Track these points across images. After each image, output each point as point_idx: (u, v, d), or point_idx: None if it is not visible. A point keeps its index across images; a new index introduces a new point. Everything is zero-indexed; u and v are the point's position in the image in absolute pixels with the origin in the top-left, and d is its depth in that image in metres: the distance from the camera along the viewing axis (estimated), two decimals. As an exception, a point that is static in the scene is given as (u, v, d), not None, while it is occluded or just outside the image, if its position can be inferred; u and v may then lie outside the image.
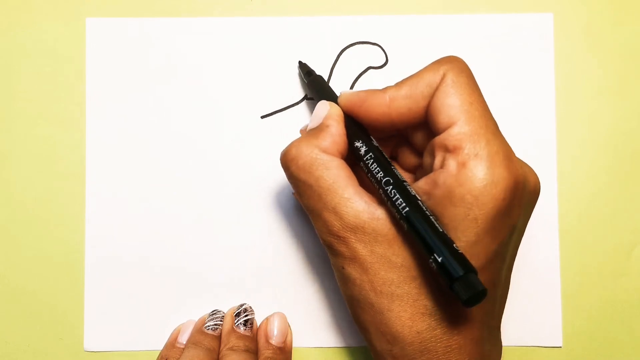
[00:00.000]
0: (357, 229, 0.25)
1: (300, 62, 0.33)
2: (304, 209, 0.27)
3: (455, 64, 0.26)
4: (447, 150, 0.24)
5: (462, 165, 0.24)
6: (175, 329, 0.33)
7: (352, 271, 0.25)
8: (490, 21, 0.34)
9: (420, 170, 0.29)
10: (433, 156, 0.25)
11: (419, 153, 0.28)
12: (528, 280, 0.33)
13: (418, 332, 0.24)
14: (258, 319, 0.33)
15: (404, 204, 0.24)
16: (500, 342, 0.28)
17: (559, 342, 0.33)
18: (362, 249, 0.25)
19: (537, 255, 0.33)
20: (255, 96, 0.34)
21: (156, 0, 0.34)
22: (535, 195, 0.26)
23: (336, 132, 0.27)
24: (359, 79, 0.34)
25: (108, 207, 0.34)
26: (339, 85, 0.34)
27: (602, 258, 0.34)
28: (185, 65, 0.34)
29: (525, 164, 0.26)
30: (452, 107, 0.25)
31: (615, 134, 0.34)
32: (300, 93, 0.34)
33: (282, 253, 0.34)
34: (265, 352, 0.31)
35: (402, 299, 0.24)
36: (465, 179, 0.23)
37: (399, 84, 0.26)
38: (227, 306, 0.33)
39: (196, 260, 0.33)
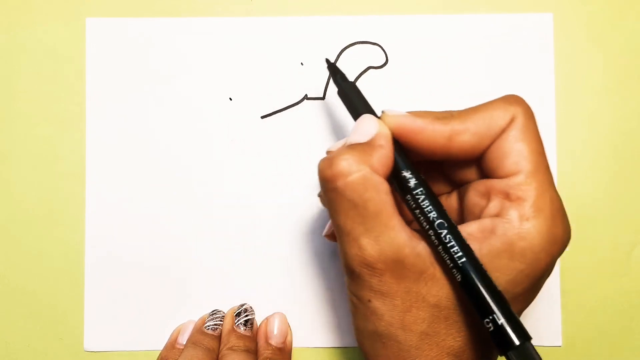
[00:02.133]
0: (397, 262, 0.23)
1: (329, 62, 0.29)
2: (335, 229, 0.25)
3: (526, 107, 0.24)
4: (508, 198, 0.23)
5: (525, 219, 0.23)
6: (175, 329, 0.33)
7: (382, 306, 0.24)
8: (490, 21, 0.34)
9: (459, 207, 0.27)
10: (487, 200, 0.24)
11: (452, 183, 0.27)
12: (528, 280, 0.33)
13: None
14: (258, 319, 0.33)
15: (460, 253, 0.22)
16: None
17: (558, 342, 0.33)
18: (397, 285, 0.23)
19: (537, 255, 0.33)
20: (256, 96, 0.34)
21: (156, 0, 0.34)
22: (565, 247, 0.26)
23: (387, 155, 0.24)
24: (359, 79, 0.34)
25: (108, 207, 0.34)
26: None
27: (602, 258, 0.34)
28: (186, 65, 0.34)
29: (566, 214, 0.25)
30: (521, 154, 0.23)
31: (615, 134, 0.34)
32: (300, 93, 0.34)
33: (282, 253, 0.34)
34: (264, 353, 0.31)
35: (430, 338, 0.24)
36: (527, 234, 0.23)
37: (462, 117, 0.24)
38: (227, 306, 0.33)
39: (196, 260, 0.33)
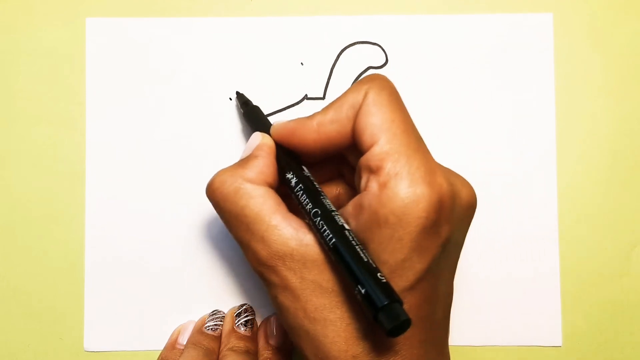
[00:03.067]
0: (286, 256, 0.24)
1: (237, 93, 0.33)
2: (235, 240, 0.27)
3: (376, 82, 0.25)
4: (371, 171, 0.24)
5: (384, 185, 0.23)
6: (175, 330, 0.33)
7: (285, 300, 0.25)
8: (490, 21, 0.34)
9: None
10: (359, 177, 0.25)
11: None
12: (528, 280, 0.33)
13: (354, 356, 0.24)
14: (258, 320, 0.33)
15: (330, 235, 0.24)
16: (449, 357, 0.27)
17: (558, 342, 0.33)
18: (292, 277, 0.25)
19: (537, 255, 0.33)
20: (256, 96, 0.34)
21: (156, 0, 0.34)
22: (469, 210, 0.26)
23: (263, 163, 0.26)
24: (359, 79, 0.34)
25: (108, 207, 0.34)
26: (339, 86, 0.34)
27: (602, 258, 0.34)
28: (186, 65, 0.34)
29: (459, 177, 0.26)
30: (373, 126, 0.24)
31: (615, 134, 0.34)
32: (300, 93, 0.34)
33: (282, 253, 0.34)
34: (264, 353, 0.31)
35: (335, 324, 0.24)
36: (387, 199, 0.23)
37: (325, 109, 0.26)
38: (227, 306, 0.33)
39: (196, 260, 0.33)
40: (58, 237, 0.34)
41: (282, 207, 0.26)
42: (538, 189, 0.34)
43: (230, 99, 0.34)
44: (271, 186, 0.26)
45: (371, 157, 0.24)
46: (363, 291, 0.22)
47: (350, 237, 0.24)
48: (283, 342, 0.32)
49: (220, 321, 0.32)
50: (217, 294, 0.33)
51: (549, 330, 0.33)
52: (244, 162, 0.27)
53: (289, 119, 0.34)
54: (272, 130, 0.28)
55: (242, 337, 0.31)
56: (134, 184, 0.34)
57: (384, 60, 0.34)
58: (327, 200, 0.25)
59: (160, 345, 0.33)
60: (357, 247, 0.23)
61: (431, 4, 0.34)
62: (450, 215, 0.24)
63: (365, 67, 0.34)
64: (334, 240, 0.23)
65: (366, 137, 0.24)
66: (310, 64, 0.34)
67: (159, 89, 0.34)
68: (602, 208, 0.34)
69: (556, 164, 0.34)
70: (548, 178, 0.34)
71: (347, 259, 0.23)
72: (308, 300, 0.24)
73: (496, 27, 0.34)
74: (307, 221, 0.25)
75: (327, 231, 0.24)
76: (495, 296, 0.33)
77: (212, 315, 0.32)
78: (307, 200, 0.25)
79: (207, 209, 0.33)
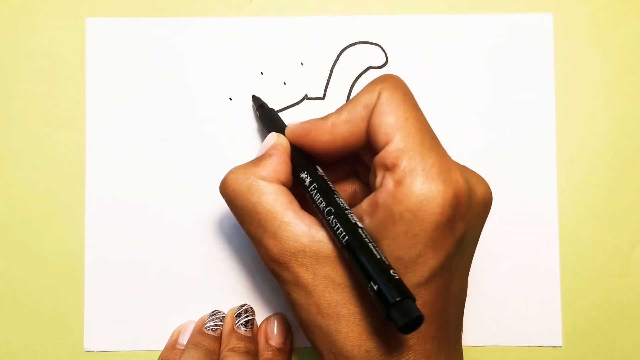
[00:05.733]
0: (298, 252, 0.25)
1: (253, 96, 0.33)
2: (248, 236, 0.27)
3: (390, 82, 0.26)
4: (386, 168, 0.24)
5: (399, 182, 0.23)
6: (175, 330, 0.33)
7: (298, 296, 0.25)
8: (490, 21, 0.34)
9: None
10: (375, 175, 0.25)
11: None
12: (528, 280, 0.33)
13: (367, 351, 0.24)
14: (258, 320, 0.33)
15: (343, 233, 0.24)
16: (461, 355, 0.27)
17: (558, 342, 0.33)
18: (304, 273, 0.25)
19: (537, 255, 0.33)
20: (256, 96, 0.34)
21: (156, 0, 0.34)
22: (484, 206, 0.26)
23: (277, 162, 0.27)
24: (359, 79, 0.34)
25: (108, 208, 0.34)
26: (339, 86, 0.34)
27: (602, 258, 0.34)
28: (186, 65, 0.34)
29: (474, 174, 0.26)
30: (388, 124, 0.25)
31: (615, 134, 0.34)
32: (300, 93, 0.34)
33: (282, 253, 0.34)
34: (265, 354, 0.31)
35: (348, 320, 0.24)
36: (402, 196, 0.23)
37: (339, 110, 0.27)
38: (227, 307, 0.33)
39: (196, 260, 0.33)
40: (58, 237, 0.34)
41: (295, 205, 0.26)
42: (538, 189, 0.34)
43: (230, 99, 0.34)
44: (284, 185, 0.27)
45: (386, 155, 0.24)
46: (375, 288, 0.22)
47: (363, 234, 0.24)
48: (283, 342, 0.32)
49: (221, 321, 0.32)
50: (217, 294, 0.33)
51: (549, 330, 0.33)
52: (258, 160, 0.27)
53: (289, 119, 0.34)
54: (287, 130, 0.28)
55: (242, 338, 0.31)
56: (133, 184, 0.34)
57: (384, 60, 0.34)
58: (341, 199, 0.26)
59: (160, 345, 0.33)
60: (370, 244, 0.23)
61: (431, 4, 0.34)
62: (466, 212, 0.24)
63: (365, 67, 0.34)
64: (347, 237, 0.24)
65: (381, 135, 0.25)
66: (310, 64, 0.34)
67: (159, 89, 0.34)
68: (602, 208, 0.34)
69: (556, 164, 0.34)
70: (548, 178, 0.34)
71: (360, 256, 0.23)
72: (321, 296, 0.25)
73: (496, 27, 0.34)
74: (320, 219, 0.26)
75: (341, 229, 0.24)
76: (495, 296, 0.33)
77: (212, 315, 0.32)
78: (320, 198, 0.26)
79: (207, 209, 0.33)
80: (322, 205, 0.25)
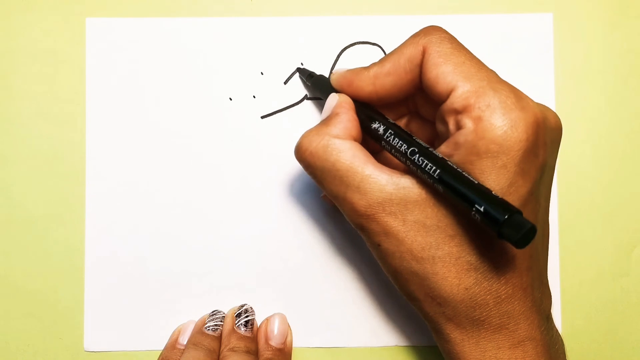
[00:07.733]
0: (385, 202, 0.25)
1: (299, 68, 0.34)
2: (330, 197, 0.27)
3: (435, 35, 0.26)
4: (457, 112, 0.24)
5: (478, 119, 0.24)
6: (175, 330, 0.33)
7: (389, 245, 0.26)
8: (490, 21, 0.34)
9: (437, 141, 0.29)
10: (445, 123, 0.25)
11: (431, 123, 0.29)
12: (528, 280, 0.33)
13: (466, 289, 0.24)
14: (258, 320, 0.33)
15: (434, 168, 0.24)
16: (549, 289, 0.28)
17: (558, 342, 0.33)
18: (393, 221, 0.25)
19: (537, 255, 0.33)
20: (255, 96, 0.34)
21: (156, 0, 0.34)
22: (558, 132, 0.27)
23: (347, 119, 0.27)
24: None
25: (108, 207, 0.34)
26: (339, 85, 0.34)
27: (602, 258, 0.34)
28: (185, 65, 0.34)
29: (540, 103, 0.26)
30: (446, 74, 0.25)
31: (615, 134, 0.34)
32: (300, 93, 0.34)
33: (282, 253, 0.34)
34: (265, 354, 0.31)
35: (444, 260, 0.25)
36: (484, 131, 0.23)
37: (382, 60, 0.27)
38: (227, 306, 0.33)
39: (196, 261, 0.33)
40: (58, 237, 0.34)
41: (372, 158, 0.26)
42: (538, 189, 0.34)
43: (230, 99, 0.34)
44: (356, 140, 0.27)
45: (455, 100, 0.24)
46: (482, 209, 0.22)
47: (453, 165, 0.24)
48: (283, 342, 0.32)
49: (221, 321, 0.32)
50: (217, 294, 0.33)
51: (549, 330, 0.33)
52: (327, 120, 0.27)
53: (289, 118, 0.34)
54: (331, 78, 0.29)
55: (242, 338, 0.31)
56: (133, 184, 0.34)
57: (384, 60, 0.34)
58: (420, 140, 0.26)
59: (160, 345, 0.33)
60: (463, 173, 0.23)
61: (431, 4, 0.34)
62: (545, 138, 0.25)
63: (365, 67, 0.34)
64: (438, 171, 0.24)
65: (441, 86, 0.25)
66: (310, 64, 0.34)
67: (159, 89, 0.34)
68: (602, 208, 0.34)
69: (556, 164, 0.34)
70: (548, 178, 0.34)
71: (457, 185, 0.23)
72: (414, 241, 0.25)
73: (496, 27, 0.34)
74: (405, 166, 0.26)
75: (429, 164, 0.24)
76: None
77: (212, 315, 0.32)
78: (400, 142, 0.26)
79: (207, 209, 0.34)
80: (403, 148, 0.25)
